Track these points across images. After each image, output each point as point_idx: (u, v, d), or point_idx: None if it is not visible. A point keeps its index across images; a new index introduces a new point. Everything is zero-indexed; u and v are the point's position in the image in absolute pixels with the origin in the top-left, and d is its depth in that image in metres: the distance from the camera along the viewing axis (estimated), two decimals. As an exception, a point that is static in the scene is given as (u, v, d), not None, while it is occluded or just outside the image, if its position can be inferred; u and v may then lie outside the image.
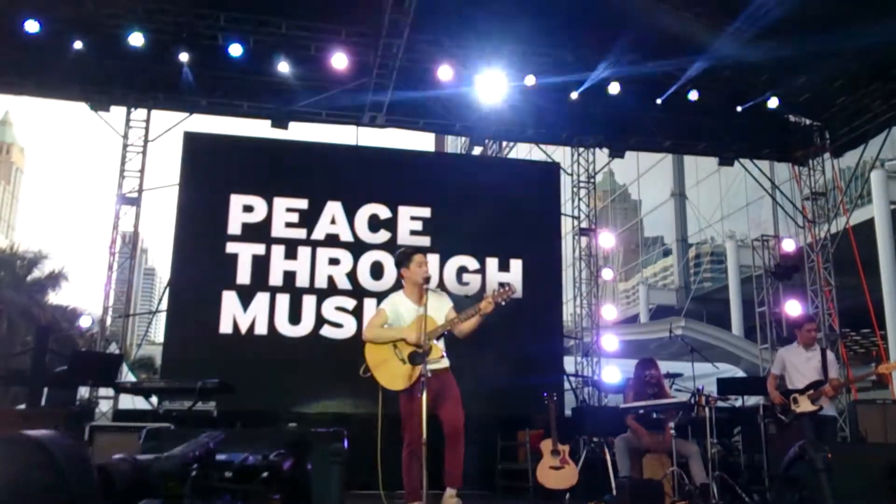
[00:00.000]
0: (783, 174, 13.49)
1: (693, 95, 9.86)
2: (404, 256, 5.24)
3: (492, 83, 9.53)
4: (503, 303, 4.95)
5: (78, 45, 8.86)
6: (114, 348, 10.35)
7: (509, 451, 8.97)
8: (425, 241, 9.66)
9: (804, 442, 4.05)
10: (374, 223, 9.79)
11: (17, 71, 9.37)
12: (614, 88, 9.70)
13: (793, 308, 10.87)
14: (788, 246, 11.25)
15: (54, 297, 25.21)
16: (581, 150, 11.22)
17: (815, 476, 3.74)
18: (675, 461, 6.42)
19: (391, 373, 4.97)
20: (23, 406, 8.78)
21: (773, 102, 10.03)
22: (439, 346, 5.01)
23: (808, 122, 11.30)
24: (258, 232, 9.49)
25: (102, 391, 9.05)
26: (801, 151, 11.24)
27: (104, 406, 9.05)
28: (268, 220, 9.55)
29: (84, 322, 11.41)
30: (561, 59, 9.65)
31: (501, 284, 5.10)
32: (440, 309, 5.09)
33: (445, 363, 5.07)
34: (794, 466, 3.97)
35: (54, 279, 24.91)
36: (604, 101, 10.04)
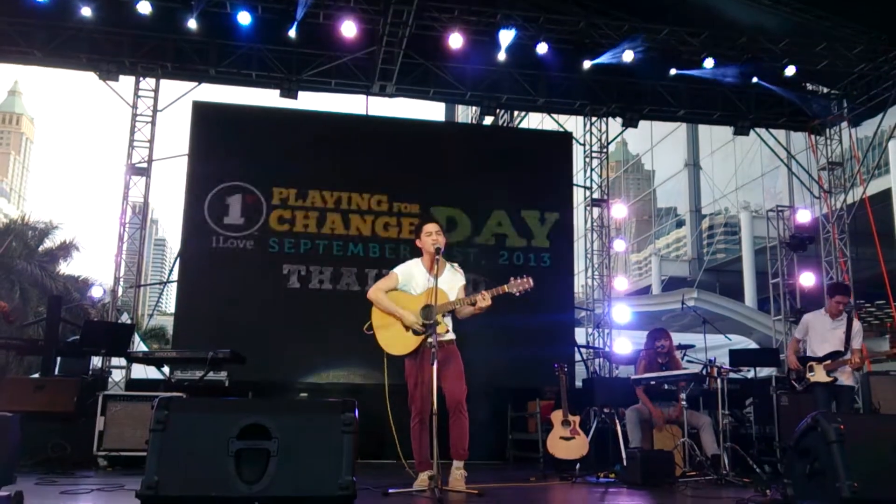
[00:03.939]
0: (799, 144, 13.30)
1: (709, 63, 9.68)
2: (417, 227, 5.25)
3: (503, 51, 9.38)
4: (517, 293, 4.89)
5: (86, 12, 8.77)
6: (125, 318, 10.42)
7: (520, 422, 8.99)
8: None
9: (816, 413, 4.00)
10: (384, 193, 9.75)
11: (25, 40, 9.30)
12: (628, 56, 9.53)
13: (807, 279, 10.78)
14: (804, 216, 11.12)
15: (66, 268, 25.36)
16: (594, 119, 11.09)
17: (827, 447, 3.70)
18: (686, 432, 6.40)
19: (392, 337, 5.00)
20: (37, 375, 8.85)
21: (790, 71, 9.85)
22: (446, 321, 4.98)
23: (825, 90, 11.10)
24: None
25: (115, 361, 9.11)
26: (817, 121, 11.06)
27: (117, 375, 9.12)
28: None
29: (96, 292, 11.46)
30: (574, 25, 9.48)
31: (519, 276, 4.99)
32: (453, 285, 5.05)
33: (450, 336, 5.06)
34: (806, 437, 3.93)
35: (65, 249, 25.03)
36: (617, 69, 9.87)
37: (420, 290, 5.04)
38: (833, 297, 6.76)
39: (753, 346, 12.05)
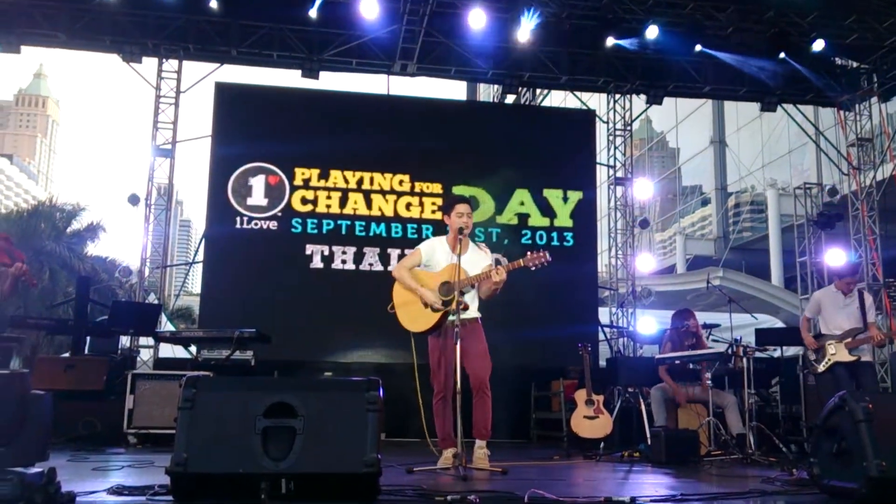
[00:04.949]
0: (828, 119, 13.06)
1: (735, 38, 9.50)
2: (449, 203, 5.25)
3: (525, 28, 9.29)
4: (534, 268, 4.87)
5: (108, -6, 8.81)
6: (153, 298, 10.54)
7: (544, 401, 9.01)
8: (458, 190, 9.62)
9: (844, 392, 3.95)
10: (406, 172, 9.74)
11: (49, 23, 9.37)
12: (652, 32, 9.39)
13: (835, 257, 10.64)
14: (832, 194, 10.96)
15: (93, 249, 25.66)
16: (617, 96, 10.96)
17: (854, 426, 3.66)
18: (711, 411, 6.38)
19: (412, 314, 5.02)
20: (67, 354, 9.00)
21: (818, 45, 9.65)
22: (466, 299, 4.98)
23: (854, 64, 10.88)
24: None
25: (143, 340, 9.23)
26: (846, 96, 10.86)
27: (145, 355, 9.25)
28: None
29: (123, 273, 11.61)
30: (597, 1, 9.35)
31: (536, 250, 4.99)
32: (477, 263, 5.04)
33: (473, 314, 5.06)
34: (833, 416, 3.89)
35: (93, 231, 25.32)
36: (641, 45, 9.73)
37: (441, 268, 5.05)
38: (844, 279, 6.63)
39: (780, 325, 11.93)
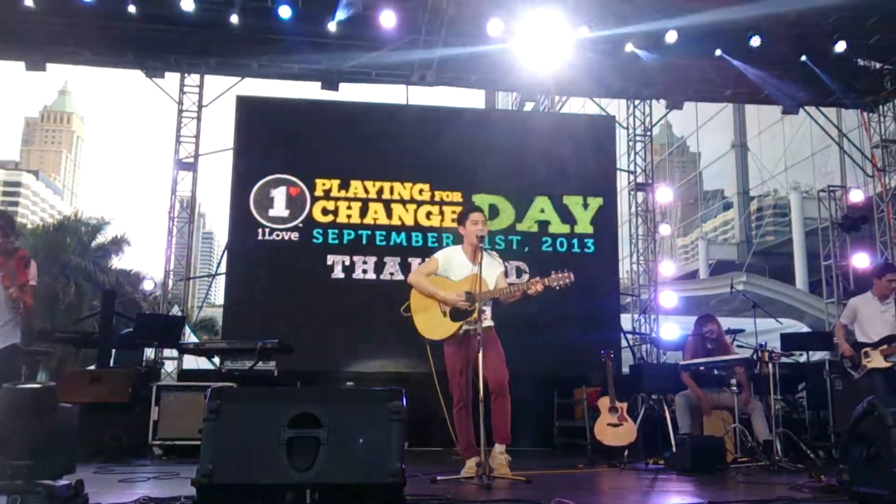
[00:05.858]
0: (851, 121, 12.93)
1: (755, 42, 9.44)
2: (462, 214, 5.28)
3: (543, 35, 9.28)
4: (558, 287, 4.87)
5: (131, 9, 8.92)
6: (176, 310, 10.64)
7: (566, 409, 8.96)
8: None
9: (873, 397, 3.90)
10: (425, 182, 9.76)
11: (73, 41, 9.52)
12: (671, 37, 9.35)
13: (860, 261, 10.51)
14: (856, 196, 10.84)
15: (118, 262, 25.98)
16: (637, 102, 10.92)
17: (884, 432, 3.61)
18: (737, 418, 6.31)
19: (430, 322, 5.04)
20: (93, 367, 9.10)
21: (840, 46, 9.56)
22: (485, 308, 5.00)
23: (878, 65, 10.75)
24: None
25: (167, 352, 9.31)
26: (870, 97, 10.73)
27: (169, 366, 9.32)
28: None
29: (147, 286, 11.75)
30: (616, 8, 9.33)
31: (560, 270, 4.97)
32: (491, 273, 5.07)
33: (489, 322, 5.09)
34: (862, 422, 3.84)
35: (117, 244, 25.64)
36: (661, 50, 9.69)
37: (459, 278, 5.06)
38: (883, 277, 6.56)
39: (805, 329, 11.79)
